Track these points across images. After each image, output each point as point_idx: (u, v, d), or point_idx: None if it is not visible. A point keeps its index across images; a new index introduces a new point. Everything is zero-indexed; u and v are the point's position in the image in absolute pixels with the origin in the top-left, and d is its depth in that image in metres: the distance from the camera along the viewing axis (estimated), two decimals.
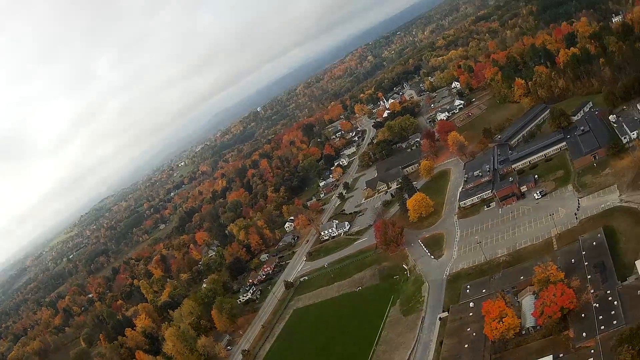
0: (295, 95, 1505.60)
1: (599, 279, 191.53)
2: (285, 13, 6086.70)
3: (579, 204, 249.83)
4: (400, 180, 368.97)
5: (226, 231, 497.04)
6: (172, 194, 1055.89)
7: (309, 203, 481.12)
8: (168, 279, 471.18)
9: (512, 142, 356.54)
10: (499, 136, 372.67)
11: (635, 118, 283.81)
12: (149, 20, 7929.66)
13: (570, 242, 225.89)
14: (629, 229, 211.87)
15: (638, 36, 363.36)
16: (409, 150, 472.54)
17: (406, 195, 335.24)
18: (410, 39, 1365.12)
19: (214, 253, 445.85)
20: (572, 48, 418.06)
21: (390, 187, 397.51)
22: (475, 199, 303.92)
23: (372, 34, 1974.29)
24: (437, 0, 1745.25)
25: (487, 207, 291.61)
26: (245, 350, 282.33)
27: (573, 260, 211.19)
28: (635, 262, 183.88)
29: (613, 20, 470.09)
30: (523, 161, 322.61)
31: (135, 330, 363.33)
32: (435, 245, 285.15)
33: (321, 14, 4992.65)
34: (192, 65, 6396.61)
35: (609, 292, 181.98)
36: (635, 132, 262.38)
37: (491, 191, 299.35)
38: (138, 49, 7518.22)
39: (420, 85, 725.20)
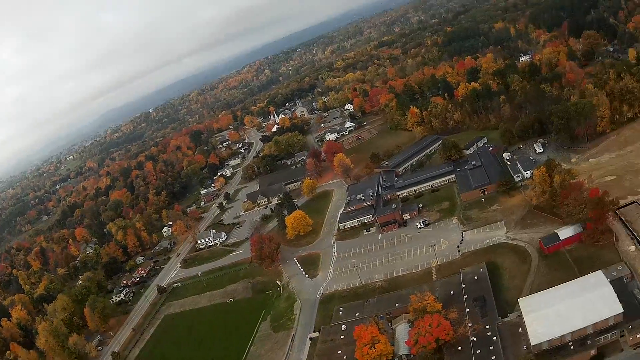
0: (188, 101, 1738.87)
1: (479, 313, 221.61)
2: (189, 19, 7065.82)
3: (462, 236, 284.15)
4: (282, 196, 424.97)
5: (105, 230, 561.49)
6: (57, 186, 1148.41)
7: (188, 210, 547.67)
8: (45, 272, 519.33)
9: (399, 170, 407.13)
10: (387, 162, 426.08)
11: (531, 157, 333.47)
12: (57, 12, 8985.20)
13: (450, 274, 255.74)
14: (513, 266, 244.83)
15: (544, 77, 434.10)
16: (293, 167, 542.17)
17: (285, 212, 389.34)
18: (310, 57, 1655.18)
19: (92, 251, 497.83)
20: (473, 83, 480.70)
21: (271, 202, 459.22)
22: (355, 222, 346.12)
23: (274, 48, 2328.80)
24: (344, 21, 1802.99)
25: (367, 232, 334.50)
26: (115, 352, 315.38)
27: (452, 292, 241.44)
28: (518, 299, 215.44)
29: (520, 60, 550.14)
30: (409, 189, 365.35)
31: (10, 321, 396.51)
32: (311, 264, 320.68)
33: (224, 24, 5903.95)
34: (92, 60, 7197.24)
35: (488, 327, 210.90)
36: (529, 172, 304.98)
37: (372, 216, 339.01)
38: (43, 38, 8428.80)
39: (313, 104, 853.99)
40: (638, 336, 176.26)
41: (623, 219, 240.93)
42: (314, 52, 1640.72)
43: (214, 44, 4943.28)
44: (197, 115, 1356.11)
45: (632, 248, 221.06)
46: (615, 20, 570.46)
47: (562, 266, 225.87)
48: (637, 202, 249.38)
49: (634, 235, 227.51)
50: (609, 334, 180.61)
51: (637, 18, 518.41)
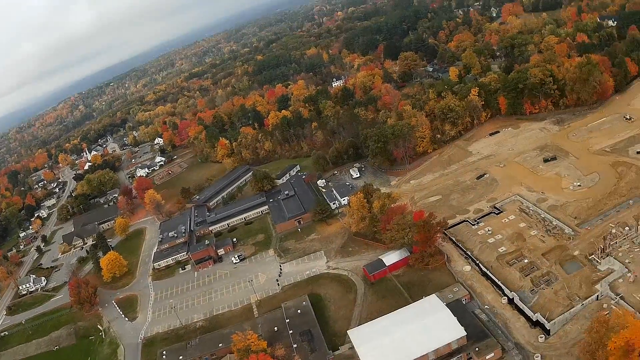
0: (7, 139, 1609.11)
1: (307, 348, 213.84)
2: (10, 55, 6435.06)
3: (281, 269, 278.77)
4: (96, 237, 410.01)
5: None
6: None
7: (9, 254, 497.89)
8: None
9: (211, 204, 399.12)
10: (198, 197, 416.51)
11: (347, 183, 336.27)
12: None
13: (272, 309, 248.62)
14: (338, 297, 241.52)
15: (358, 102, 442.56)
16: (106, 206, 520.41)
17: (100, 253, 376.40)
18: (123, 91, 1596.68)
19: None
20: (283, 111, 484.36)
21: (86, 243, 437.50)
22: (170, 261, 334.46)
23: (89, 82, 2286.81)
24: (157, 53, 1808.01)
25: (182, 270, 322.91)
26: None
27: (276, 328, 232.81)
28: (347, 331, 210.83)
29: (333, 85, 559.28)
30: (221, 224, 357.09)
31: None
32: (129, 306, 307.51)
33: (43, 58, 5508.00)
34: None
35: None
36: (345, 198, 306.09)
37: (186, 253, 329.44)
38: None
39: (124, 139, 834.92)
40: (488, 357, 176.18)
41: (453, 239, 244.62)
42: (126, 85, 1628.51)
43: (34, 78, 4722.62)
44: (15, 154, 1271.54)
45: (467, 268, 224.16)
46: (435, 41, 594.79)
47: (391, 293, 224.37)
48: (467, 221, 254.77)
49: (467, 254, 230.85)
50: (454, 359, 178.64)
51: (459, 37, 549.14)
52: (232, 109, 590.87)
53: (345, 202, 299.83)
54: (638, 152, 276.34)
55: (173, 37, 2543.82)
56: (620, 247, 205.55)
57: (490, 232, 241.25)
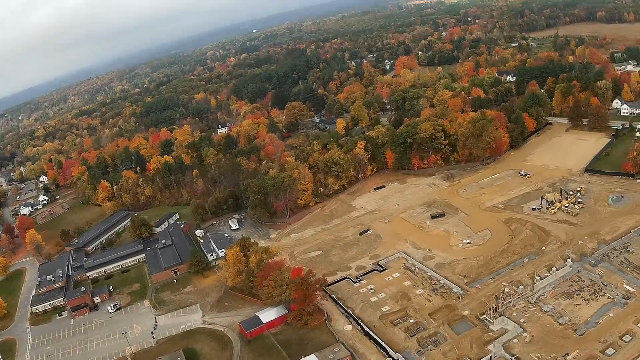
0: None
1: None
2: None
3: (156, 321, 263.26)
4: None
5: None
6: None
7: None
8: None
9: (89, 248, 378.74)
10: (77, 240, 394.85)
11: (226, 235, 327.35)
12: None
13: None
14: (214, 353, 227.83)
15: (241, 150, 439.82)
16: None
17: None
18: (16, 123, 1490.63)
19: None
20: (166, 156, 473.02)
21: None
22: (47, 306, 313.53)
23: None
24: (52, 87, 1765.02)
25: (59, 316, 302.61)
26: None
27: None
28: None
29: (218, 132, 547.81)
30: (99, 270, 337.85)
31: None
32: (7, 352, 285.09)
33: None
34: None
35: None
36: (223, 250, 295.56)
37: (63, 299, 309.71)
38: None
39: (12, 174, 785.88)
40: None
41: (334, 296, 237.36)
42: (20, 118, 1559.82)
43: None
44: None
45: (349, 327, 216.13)
46: (325, 91, 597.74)
47: (268, 351, 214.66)
48: (348, 278, 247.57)
49: (348, 313, 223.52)
50: None
51: (349, 88, 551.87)
52: (116, 151, 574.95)
53: (223, 254, 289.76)
54: (534, 209, 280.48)
55: (68, 71, 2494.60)
56: (515, 306, 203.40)
57: (373, 290, 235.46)
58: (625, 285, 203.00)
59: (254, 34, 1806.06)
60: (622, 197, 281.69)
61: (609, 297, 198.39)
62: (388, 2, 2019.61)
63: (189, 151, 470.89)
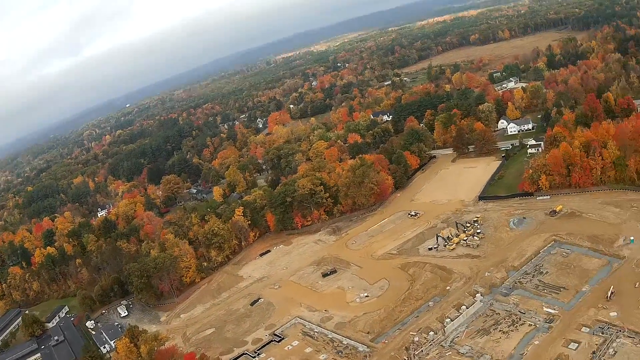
0: None
1: None
2: None
3: None
4: None
5: None
6: None
7: None
8: None
9: None
10: None
11: (116, 323, 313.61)
12: None
13: None
14: None
15: (121, 233, 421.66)
16: None
17: None
18: None
19: None
20: (49, 247, 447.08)
21: None
22: None
23: None
24: None
25: None
26: None
27: None
28: None
29: (99, 215, 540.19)
30: None
31: None
32: None
33: None
34: None
35: None
36: (114, 341, 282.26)
37: None
38: None
39: None
40: None
41: None
42: None
43: None
44: None
45: None
46: (199, 160, 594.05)
47: None
48: (246, 354, 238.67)
49: None
50: None
51: (223, 153, 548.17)
52: (1, 246, 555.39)
53: (114, 345, 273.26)
54: (430, 249, 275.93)
55: None
56: (428, 354, 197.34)
57: None
58: (545, 309, 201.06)
59: (127, 108, 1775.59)
60: (524, 218, 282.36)
61: (530, 325, 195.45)
62: (257, 60, 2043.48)
63: (70, 240, 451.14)
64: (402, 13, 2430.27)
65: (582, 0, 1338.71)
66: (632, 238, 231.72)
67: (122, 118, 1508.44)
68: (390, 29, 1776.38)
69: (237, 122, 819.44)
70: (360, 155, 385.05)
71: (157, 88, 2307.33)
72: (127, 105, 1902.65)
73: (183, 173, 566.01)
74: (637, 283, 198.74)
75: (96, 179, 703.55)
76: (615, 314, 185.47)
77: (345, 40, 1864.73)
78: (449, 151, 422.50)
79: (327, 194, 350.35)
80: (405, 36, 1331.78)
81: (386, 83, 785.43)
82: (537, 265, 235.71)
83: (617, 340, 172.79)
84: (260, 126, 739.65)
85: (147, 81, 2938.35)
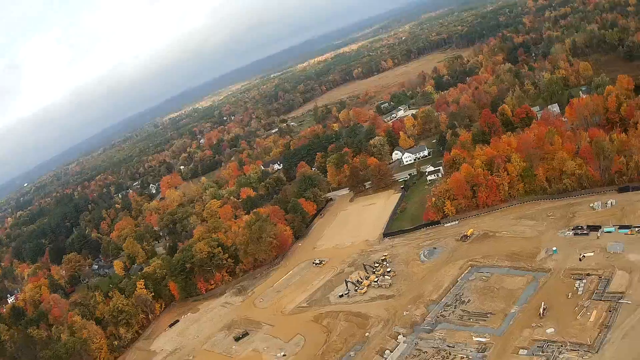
0: None
1: None
2: None
3: None
4: None
5: None
6: None
7: None
8: None
9: None
10: None
11: None
12: None
13: None
14: None
15: (31, 319, 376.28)
16: None
17: None
18: None
19: None
20: None
21: None
22: None
23: None
24: None
25: None
26: None
27: None
28: None
29: (9, 301, 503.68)
30: None
31: None
32: None
33: None
34: None
35: None
36: None
37: None
38: None
39: None
40: None
41: None
42: None
43: None
44: None
45: None
46: (98, 234, 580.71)
47: None
48: None
49: None
50: None
51: (119, 225, 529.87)
52: None
53: None
54: (341, 296, 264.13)
55: None
56: None
57: None
58: (475, 338, 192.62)
59: (26, 188, 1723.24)
60: (435, 248, 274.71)
61: (462, 358, 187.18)
62: (144, 123, 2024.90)
63: None
64: (283, 58, 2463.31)
65: (463, 17, 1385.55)
66: (554, 248, 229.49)
67: (21, 198, 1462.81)
68: (272, 75, 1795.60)
69: (130, 191, 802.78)
70: (255, 210, 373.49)
71: (53, 162, 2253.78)
72: (25, 185, 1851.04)
73: (84, 249, 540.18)
74: (570, 293, 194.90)
75: (2, 263, 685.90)
76: (552, 329, 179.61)
77: (229, 93, 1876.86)
78: (346, 191, 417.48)
79: (227, 255, 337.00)
80: (288, 80, 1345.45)
81: (273, 131, 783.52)
82: (457, 294, 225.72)
83: (561, 356, 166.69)
84: (154, 192, 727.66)
85: (44, 156, 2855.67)
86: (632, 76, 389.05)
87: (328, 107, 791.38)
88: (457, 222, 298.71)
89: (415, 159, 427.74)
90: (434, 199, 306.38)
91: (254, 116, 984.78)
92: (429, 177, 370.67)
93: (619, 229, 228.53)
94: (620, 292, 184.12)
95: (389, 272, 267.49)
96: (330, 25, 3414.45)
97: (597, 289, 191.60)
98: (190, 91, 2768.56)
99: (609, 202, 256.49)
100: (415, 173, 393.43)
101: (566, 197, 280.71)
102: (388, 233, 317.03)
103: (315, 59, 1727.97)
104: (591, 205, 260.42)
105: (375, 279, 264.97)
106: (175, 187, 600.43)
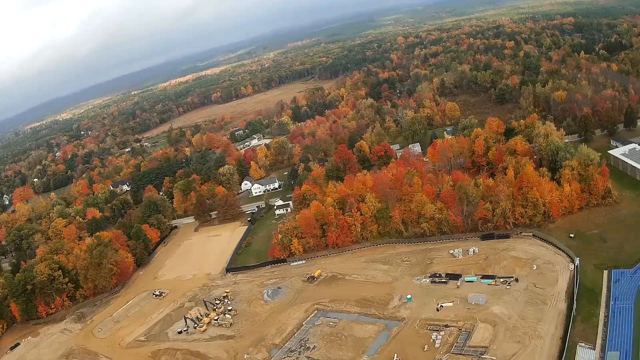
0: None
1: None
2: None
3: None
4: None
5: None
6: None
7: None
8: None
9: None
10: None
11: None
12: None
13: None
14: None
15: None
16: None
17: None
18: None
19: None
20: None
21: None
22: None
23: None
24: None
25: None
26: None
27: None
28: None
29: None
30: None
31: None
32: None
33: None
34: None
35: None
36: None
37: None
38: None
39: None
40: None
41: None
42: None
43: None
44: None
45: None
46: None
47: None
48: None
49: None
50: None
51: None
52: None
53: None
54: (180, 332, 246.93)
55: None
56: None
57: None
58: None
59: None
60: (279, 288, 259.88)
61: None
62: (5, 131, 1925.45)
63: None
64: (146, 75, 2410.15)
65: (330, 49, 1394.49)
66: (409, 296, 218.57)
67: None
68: (133, 92, 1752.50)
69: None
70: (97, 234, 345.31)
71: None
72: None
73: None
74: (426, 346, 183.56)
75: None
76: None
77: (90, 107, 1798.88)
78: (192, 220, 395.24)
79: (67, 279, 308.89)
80: (148, 99, 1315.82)
81: (127, 150, 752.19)
82: (301, 339, 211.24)
83: None
84: (7, 203, 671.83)
85: None
86: (502, 120, 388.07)
87: (183, 129, 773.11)
88: (304, 261, 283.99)
89: (265, 191, 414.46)
90: (280, 235, 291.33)
91: (110, 133, 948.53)
92: (277, 212, 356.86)
93: (481, 278, 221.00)
94: (483, 347, 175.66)
95: (230, 310, 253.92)
96: (196, 47, 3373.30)
97: (457, 342, 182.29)
98: (54, 101, 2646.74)
99: (471, 249, 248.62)
100: (264, 206, 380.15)
101: (424, 241, 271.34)
102: (231, 268, 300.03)
103: (177, 80, 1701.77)
104: (451, 252, 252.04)
105: (216, 317, 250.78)
106: (27, 201, 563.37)
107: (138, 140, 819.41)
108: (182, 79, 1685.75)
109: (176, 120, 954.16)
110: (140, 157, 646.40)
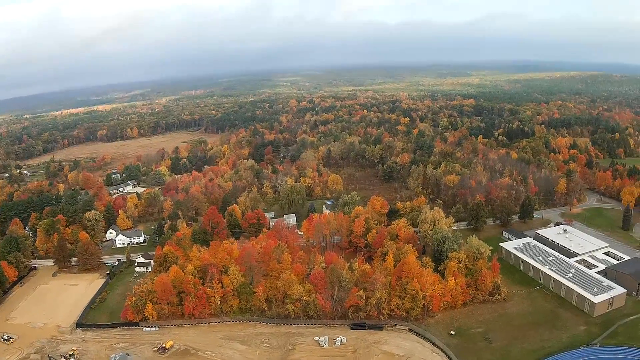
0: None
1: None
2: None
3: None
4: None
5: None
6: None
7: None
8: None
9: None
10: None
11: None
12: None
13: None
14: None
15: None
16: None
17: None
18: None
19: None
20: None
21: None
22: None
23: None
24: None
25: None
26: None
27: None
28: None
29: None
30: None
31: None
32: None
33: None
34: None
35: None
36: None
37: None
38: None
39: None
40: None
41: None
42: None
43: None
44: None
45: None
46: None
47: None
48: None
49: None
50: None
51: None
52: None
53: None
54: None
55: None
56: None
57: None
58: None
59: None
60: (128, 354, 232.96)
61: None
62: None
63: None
64: (42, 101, 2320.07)
65: (221, 102, 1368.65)
66: None
67: None
68: (26, 115, 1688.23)
69: None
70: None
71: None
72: None
73: None
74: None
75: None
76: None
77: None
78: (52, 263, 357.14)
79: None
80: (37, 125, 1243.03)
81: (6, 175, 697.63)
82: None
83: None
84: None
85: None
86: (387, 199, 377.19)
87: (62, 163, 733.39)
88: (157, 328, 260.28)
89: (129, 243, 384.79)
90: (134, 297, 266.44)
91: None
92: (137, 269, 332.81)
93: None
94: None
95: None
96: (96, 79, 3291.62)
97: None
98: None
99: (339, 339, 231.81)
100: (126, 260, 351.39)
101: (288, 323, 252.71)
102: (82, 324, 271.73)
103: (69, 110, 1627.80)
104: (317, 338, 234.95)
105: None
106: None
107: (19, 167, 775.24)
108: (74, 110, 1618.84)
109: (59, 152, 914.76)
110: (16, 185, 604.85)
